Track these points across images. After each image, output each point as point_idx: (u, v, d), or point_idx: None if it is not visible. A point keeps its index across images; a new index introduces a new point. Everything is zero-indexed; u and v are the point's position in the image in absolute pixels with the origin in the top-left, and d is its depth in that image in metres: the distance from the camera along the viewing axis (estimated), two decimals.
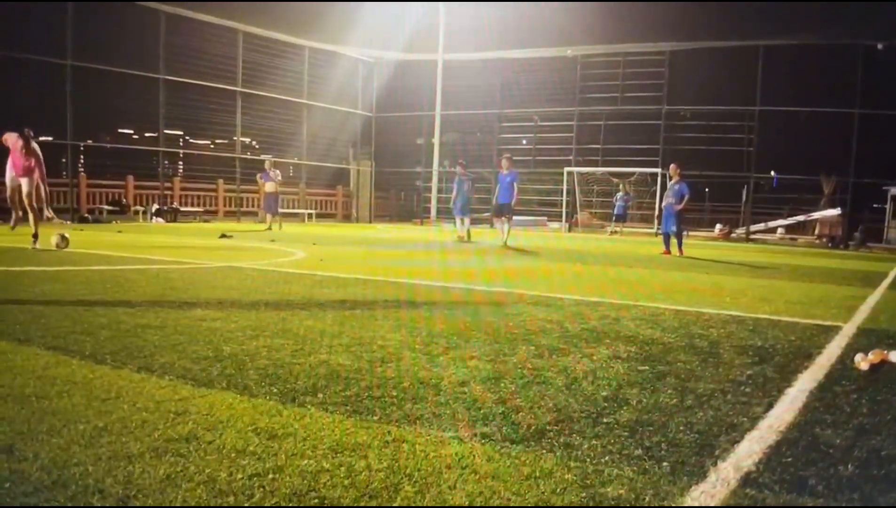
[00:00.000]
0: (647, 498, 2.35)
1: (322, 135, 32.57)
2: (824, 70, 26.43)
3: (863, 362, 4.45)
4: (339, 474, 2.44)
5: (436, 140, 32.19)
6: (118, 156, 27.55)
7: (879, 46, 25.40)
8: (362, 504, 2.22)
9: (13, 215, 12.46)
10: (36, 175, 11.55)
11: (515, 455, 2.70)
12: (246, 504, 2.19)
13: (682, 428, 3.13)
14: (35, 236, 11.11)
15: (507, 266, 11.68)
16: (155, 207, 25.95)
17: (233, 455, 2.58)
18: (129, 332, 4.69)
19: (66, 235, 11.44)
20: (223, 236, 16.87)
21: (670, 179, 16.38)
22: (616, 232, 28.47)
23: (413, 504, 2.24)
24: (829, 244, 26.82)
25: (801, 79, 26.67)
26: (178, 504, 2.17)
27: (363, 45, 31.94)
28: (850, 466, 2.73)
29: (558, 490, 2.39)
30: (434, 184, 32.49)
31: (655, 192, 27.69)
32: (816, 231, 28.98)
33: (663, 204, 16.62)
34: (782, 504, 2.37)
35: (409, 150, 35.50)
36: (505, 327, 5.49)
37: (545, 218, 31.56)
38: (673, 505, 2.32)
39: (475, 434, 2.93)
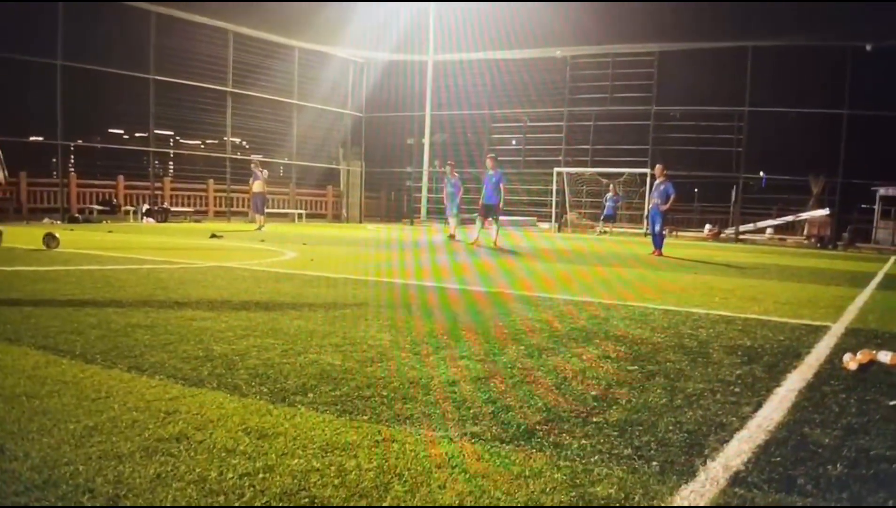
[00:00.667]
0: (637, 498, 2.37)
1: (312, 135, 32.52)
2: (813, 71, 26.62)
3: (851, 361, 4.48)
4: (330, 473, 2.44)
5: (426, 140, 32.22)
6: (108, 156, 27.46)
7: (868, 48, 25.57)
8: (352, 504, 2.23)
9: None
10: None
11: (505, 455, 2.71)
12: (236, 504, 2.19)
13: (671, 428, 3.15)
14: None
15: (497, 266, 11.68)
16: (145, 207, 25.90)
17: (223, 454, 2.58)
18: (119, 332, 4.67)
19: (56, 235, 11.39)
20: (213, 235, 16.85)
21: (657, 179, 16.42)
22: (605, 232, 28.54)
23: (403, 504, 2.25)
24: (818, 245, 26.98)
25: (789, 80, 26.90)
26: (168, 504, 2.17)
27: (353, 46, 31.90)
28: (838, 465, 2.75)
29: (548, 489, 2.40)
30: (424, 184, 32.50)
31: (644, 192, 27.75)
32: (805, 231, 29.11)
33: (650, 205, 16.65)
34: (771, 503, 2.39)
35: (399, 150, 35.47)
36: (494, 326, 5.49)
37: (535, 218, 31.58)
38: (662, 505, 2.34)
39: (465, 434, 2.94)
